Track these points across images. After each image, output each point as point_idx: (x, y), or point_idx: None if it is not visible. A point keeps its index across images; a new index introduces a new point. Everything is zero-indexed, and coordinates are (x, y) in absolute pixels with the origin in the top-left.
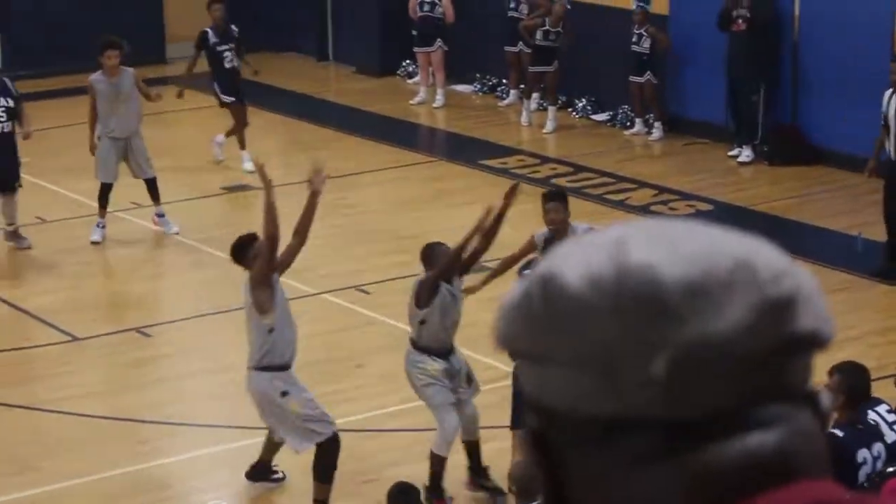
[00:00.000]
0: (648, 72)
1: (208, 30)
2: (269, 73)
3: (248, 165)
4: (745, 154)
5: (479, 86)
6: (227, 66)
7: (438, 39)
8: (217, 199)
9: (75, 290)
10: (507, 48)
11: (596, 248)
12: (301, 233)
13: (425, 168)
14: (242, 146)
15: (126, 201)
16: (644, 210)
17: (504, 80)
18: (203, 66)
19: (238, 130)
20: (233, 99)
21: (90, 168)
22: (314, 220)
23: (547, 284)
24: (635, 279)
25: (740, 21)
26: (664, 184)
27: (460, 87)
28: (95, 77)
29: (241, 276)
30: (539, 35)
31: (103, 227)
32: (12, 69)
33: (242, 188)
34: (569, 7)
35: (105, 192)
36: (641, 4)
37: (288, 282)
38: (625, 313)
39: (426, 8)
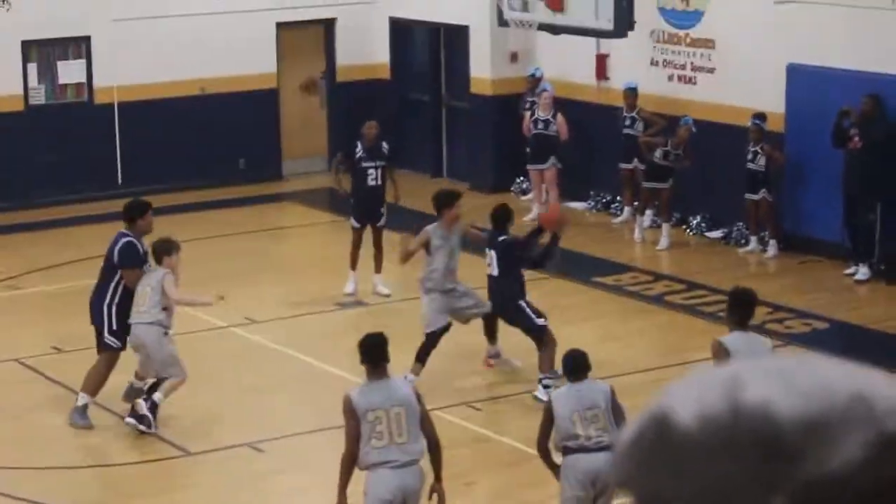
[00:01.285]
0: (763, 189)
1: (358, 143)
2: None
3: (383, 289)
4: (862, 272)
5: (592, 203)
6: (371, 183)
7: (552, 157)
8: (330, 315)
9: (187, 404)
10: (622, 165)
11: (710, 386)
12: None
13: (538, 285)
14: (377, 269)
15: (240, 316)
16: (759, 328)
17: (618, 198)
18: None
19: (355, 251)
20: (359, 226)
21: (207, 282)
22: None
23: (660, 423)
24: (750, 417)
25: (856, 139)
26: (779, 302)
27: (574, 204)
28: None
29: (337, 388)
30: (658, 154)
31: None
32: (132, 185)
33: (356, 305)
34: (694, 130)
35: None
36: (757, 122)
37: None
38: (740, 452)
39: (540, 126)
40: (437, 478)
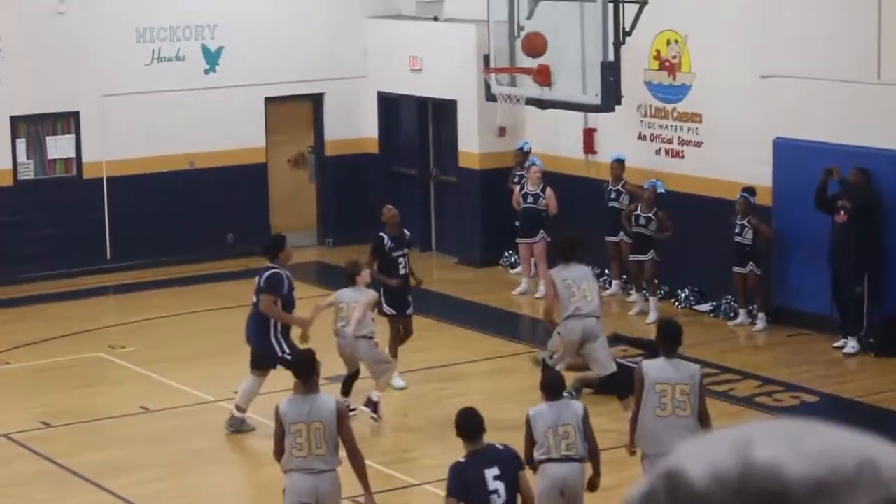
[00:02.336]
0: (751, 262)
1: (384, 235)
2: None
3: (399, 382)
4: (851, 346)
5: None
6: (402, 272)
7: (541, 230)
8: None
9: (178, 479)
10: (608, 238)
11: (720, 445)
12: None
13: (528, 359)
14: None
15: (229, 391)
16: (748, 401)
17: (606, 271)
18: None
19: (395, 343)
20: (395, 312)
21: (198, 357)
22: None
23: (671, 480)
24: (760, 476)
25: (842, 212)
26: (769, 375)
27: None
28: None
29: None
30: (635, 222)
31: None
32: (120, 260)
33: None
34: (661, 192)
35: None
36: (745, 195)
37: (388, 472)
38: None
39: (529, 200)
40: (365, 489)
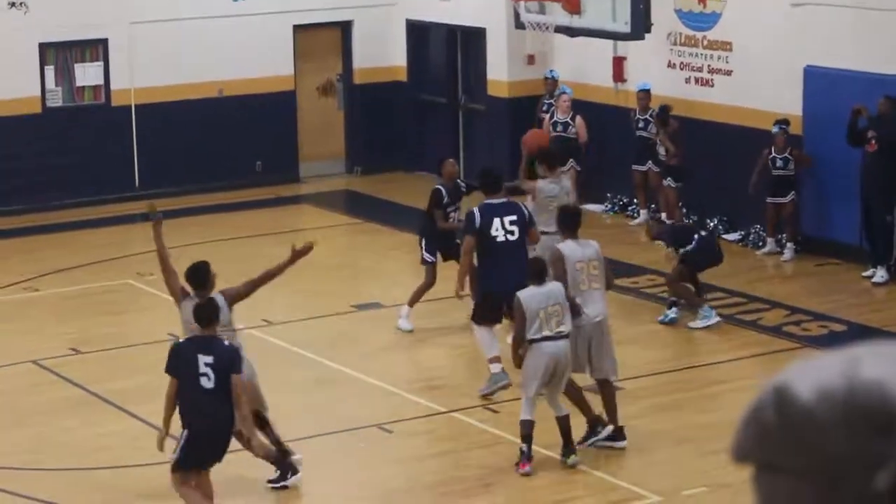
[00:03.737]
0: (792, 192)
1: (441, 188)
2: (400, 192)
3: (404, 324)
4: (880, 275)
5: (609, 205)
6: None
7: (571, 159)
8: (346, 317)
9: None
10: (635, 167)
11: (829, 364)
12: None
13: None
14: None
15: (258, 318)
16: (776, 330)
17: (634, 200)
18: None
19: (422, 291)
20: (433, 260)
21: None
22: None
23: (779, 395)
24: (865, 393)
25: (873, 141)
26: (797, 304)
27: (591, 207)
28: None
29: (366, 392)
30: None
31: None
32: (149, 188)
33: (373, 307)
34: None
35: None
36: (783, 127)
37: (419, 400)
38: (853, 426)
39: (559, 128)
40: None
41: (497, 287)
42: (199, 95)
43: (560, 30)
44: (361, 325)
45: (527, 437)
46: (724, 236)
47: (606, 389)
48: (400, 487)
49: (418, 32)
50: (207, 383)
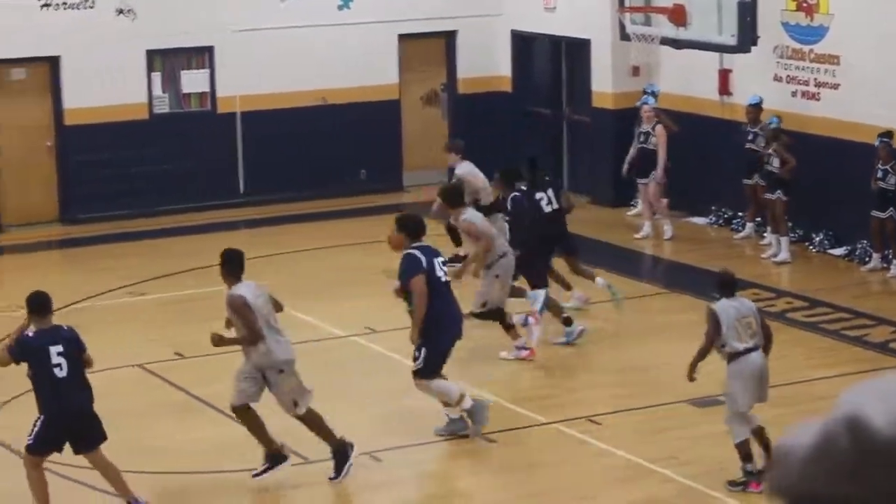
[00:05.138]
0: (892, 208)
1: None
2: None
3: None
4: None
5: (713, 218)
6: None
7: (653, 171)
8: None
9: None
10: (745, 181)
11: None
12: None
13: (655, 300)
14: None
15: (361, 326)
16: (882, 347)
17: (739, 213)
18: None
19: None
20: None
21: (327, 291)
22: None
23: (853, 428)
24: None
25: None
26: None
27: (695, 220)
28: None
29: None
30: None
31: None
32: (253, 194)
33: (470, 316)
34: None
35: None
36: (885, 140)
37: (519, 410)
38: None
39: (641, 138)
40: None
41: (451, 335)
42: (304, 103)
43: (665, 42)
44: (469, 333)
45: (748, 457)
46: (830, 251)
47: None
48: (497, 498)
49: (523, 43)
50: (60, 372)
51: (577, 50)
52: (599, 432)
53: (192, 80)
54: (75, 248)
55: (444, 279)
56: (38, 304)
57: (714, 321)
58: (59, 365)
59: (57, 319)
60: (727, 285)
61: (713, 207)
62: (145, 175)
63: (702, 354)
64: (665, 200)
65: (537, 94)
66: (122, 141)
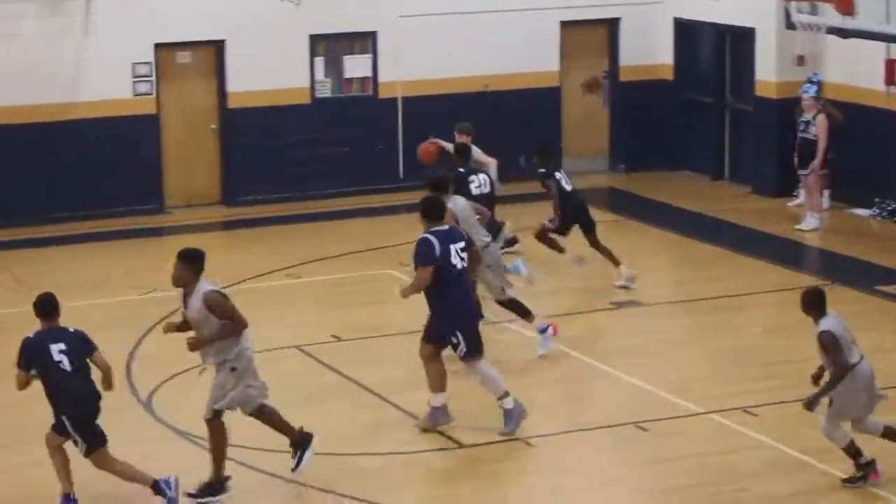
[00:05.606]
0: None
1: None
2: (663, 190)
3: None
4: None
5: (877, 210)
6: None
7: (812, 161)
8: (603, 314)
9: (465, 397)
10: None
11: None
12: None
13: None
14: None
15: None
16: None
17: None
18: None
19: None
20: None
21: None
22: None
23: None
24: None
25: None
26: None
27: (858, 211)
28: None
29: (622, 390)
30: None
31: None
32: (412, 179)
33: (631, 304)
34: None
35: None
36: None
37: (676, 400)
38: None
39: (801, 128)
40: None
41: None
42: (465, 89)
43: (832, 31)
44: (620, 322)
45: (859, 453)
46: None
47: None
48: (650, 488)
49: (686, 31)
50: (64, 367)
51: (741, 38)
52: (755, 423)
53: (355, 65)
54: (236, 230)
55: (459, 267)
56: (44, 307)
57: (837, 344)
58: (60, 361)
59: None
60: (818, 302)
61: (876, 199)
62: (306, 159)
63: (836, 383)
64: (823, 191)
65: (699, 83)
66: (284, 124)
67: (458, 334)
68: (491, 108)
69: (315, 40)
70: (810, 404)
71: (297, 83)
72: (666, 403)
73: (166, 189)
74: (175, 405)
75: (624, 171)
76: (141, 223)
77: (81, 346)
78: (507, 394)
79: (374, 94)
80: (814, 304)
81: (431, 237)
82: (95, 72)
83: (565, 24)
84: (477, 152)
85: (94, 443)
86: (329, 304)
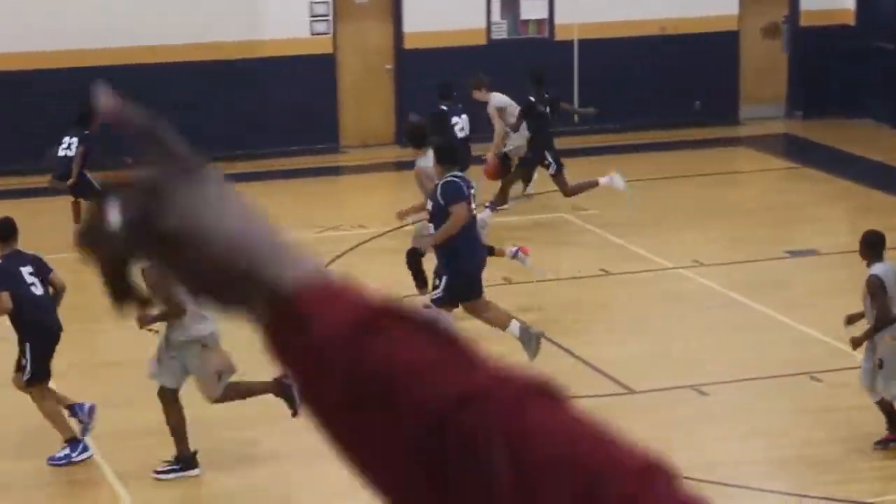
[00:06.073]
0: None
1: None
2: (840, 138)
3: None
4: None
5: None
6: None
7: None
8: (779, 262)
9: (633, 343)
10: None
11: None
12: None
13: None
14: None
15: (688, 259)
16: None
17: None
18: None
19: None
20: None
21: (657, 223)
22: None
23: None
24: None
25: None
26: None
27: None
28: None
29: (797, 339)
30: None
31: None
32: (584, 124)
33: (808, 253)
34: None
35: None
36: None
37: (851, 351)
38: None
39: None
40: None
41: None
42: (642, 33)
43: None
44: (795, 272)
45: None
46: None
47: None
48: (820, 439)
49: None
50: (37, 290)
51: None
52: None
53: (532, 7)
54: (409, 171)
55: (473, 213)
56: (3, 231)
57: (882, 289)
58: (33, 284)
59: (380, 241)
60: (877, 245)
61: None
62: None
63: (877, 328)
64: None
65: (882, 29)
66: (457, 66)
67: (444, 278)
68: (666, 51)
69: None
70: (854, 345)
71: (473, 24)
72: (840, 353)
73: (342, 129)
74: None
75: (801, 118)
76: (316, 162)
77: (43, 267)
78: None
79: (549, 37)
80: (871, 246)
81: (457, 179)
82: (273, 10)
83: None
84: (494, 105)
85: (41, 376)
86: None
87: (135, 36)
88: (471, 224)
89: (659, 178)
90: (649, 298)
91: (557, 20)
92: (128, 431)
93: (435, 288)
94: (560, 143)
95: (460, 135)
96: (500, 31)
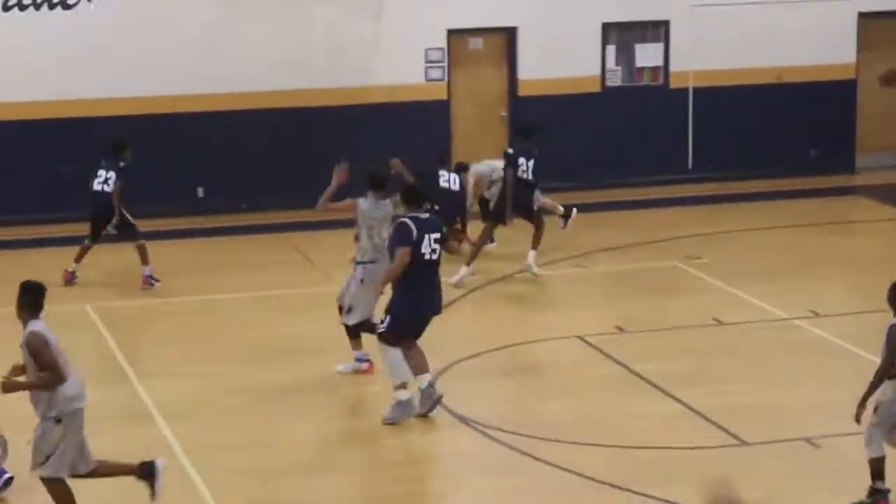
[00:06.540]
0: None
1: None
2: None
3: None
4: None
5: None
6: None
7: None
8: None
9: (750, 395)
10: None
11: None
12: None
13: None
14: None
15: (804, 309)
16: None
17: None
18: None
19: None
20: None
21: (771, 272)
22: None
23: None
24: None
25: None
26: None
27: None
28: None
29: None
30: None
31: None
32: (701, 171)
33: None
34: None
35: None
36: None
37: None
38: None
39: None
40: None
41: (422, 309)
42: (757, 81)
43: None
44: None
45: (880, 474)
46: None
47: None
48: None
49: None
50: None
51: None
52: None
53: (646, 54)
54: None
55: (427, 257)
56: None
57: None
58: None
59: (494, 289)
60: None
61: None
62: (595, 147)
63: (880, 379)
64: None
65: None
66: (573, 113)
67: (388, 317)
68: (782, 99)
69: (607, 28)
70: (859, 412)
71: (589, 71)
72: None
73: None
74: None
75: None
76: None
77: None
78: (404, 386)
79: (664, 84)
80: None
81: (410, 221)
82: (388, 56)
83: (863, 15)
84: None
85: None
86: (613, 294)
87: (246, 80)
88: (421, 271)
89: (773, 228)
90: (762, 348)
91: (672, 67)
92: None
93: (381, 322)
94: (673, 190)
95: (443, 184)
96: (615, 79)
